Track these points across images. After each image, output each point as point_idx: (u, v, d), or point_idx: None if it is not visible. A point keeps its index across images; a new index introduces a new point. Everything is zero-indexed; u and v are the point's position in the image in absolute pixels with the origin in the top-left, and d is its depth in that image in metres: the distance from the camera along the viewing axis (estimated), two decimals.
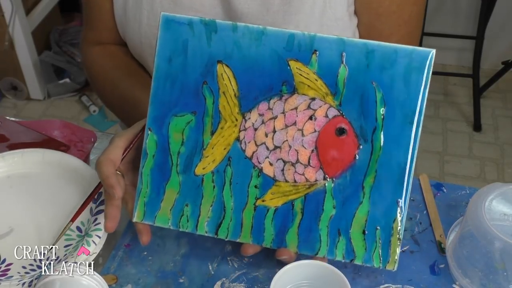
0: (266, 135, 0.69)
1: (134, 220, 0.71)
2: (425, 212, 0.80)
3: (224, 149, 0.69)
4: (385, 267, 0.66)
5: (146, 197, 0.71)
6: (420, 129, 0.65)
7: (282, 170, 0.69)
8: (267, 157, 0.69)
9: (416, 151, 0.66)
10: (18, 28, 2.18)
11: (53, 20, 2.44)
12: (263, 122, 0.69)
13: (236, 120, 0.69)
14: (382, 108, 0.66)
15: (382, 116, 0.66)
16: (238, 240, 0.70)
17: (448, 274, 0.72)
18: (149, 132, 0.70)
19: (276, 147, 0.69)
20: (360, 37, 0.85)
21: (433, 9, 2.40)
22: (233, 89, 0.69)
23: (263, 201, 0.69)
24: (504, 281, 0.67)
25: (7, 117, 0.94)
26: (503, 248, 0.65)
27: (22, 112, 2.37)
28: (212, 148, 0.70)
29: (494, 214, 0.68)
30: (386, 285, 0.70)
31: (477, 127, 2.25)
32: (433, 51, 0.64)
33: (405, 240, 0.76)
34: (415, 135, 0.66)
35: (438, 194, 0.82)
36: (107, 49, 0.94)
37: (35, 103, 2.41)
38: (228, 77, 0.69)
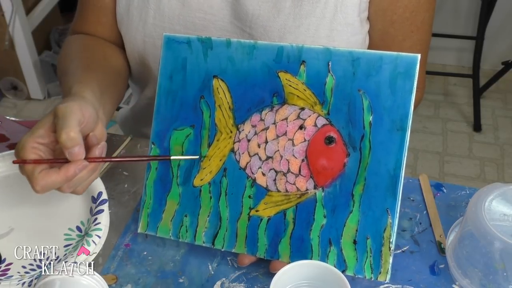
0: (259, 146, 0.70)
1: (139, 231, 0.75)
2: (425, 212, 0.80)
3: (220, 160, 0.71)
4: (377, 278, 0.66)
5: (149, 208, 0.74)
6: (408, 135, 0.65)
7: (274, 180, 0.69)
8: (260, 167, 0.70)
9: (405, 158, 0.65)
10: (18, 28, 2.18)
11: (53, 20, 2.44)
12: (255, 133, 0.70)
13: (231, 132, 0.71)
14: (370, 116, 0.66)
15: (369, 124, 0.66)
16: (233, 250, 0.71)
17: (448, 274, 0.72)
18: (152, 146, 0.74)
19: (268, 158, 0.70)
20: (373, 43, 0.85)
21: None
22: (227, 102, 0.71)
23: (256, 211, 0.70)
24: (504, 281, 0.67)
25: (7, 117, 0.94)
26: (503, 248, 0.65)
27: (22, 112, 2.38)
28: (209, 160, 0.72)
29: (494, 214, 0.68)
30: (386, 285, 0.70)
31: (477, 127, 2.25)
32: (419, 56, 0.65)
33: (405, 240, 0.76)
34: (403, 141, 0.65)
35: (438, 194, 0.82)
36: (84, 36, 0.92)
37: (35, 103, 2.41)
38: (223, 90, 0.71)
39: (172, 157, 0.71)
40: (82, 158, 0.63)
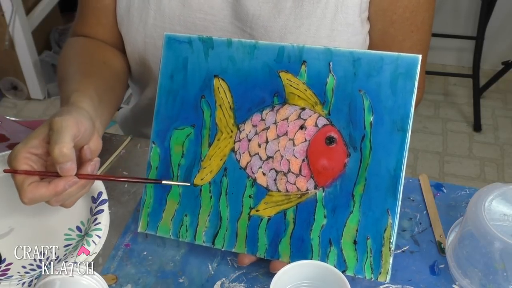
0: (259, 146, 0.70)
1: (139, 230, 0.75)
2: (425, 212, 0.80)
3: (221, 160, 0.71)
4: (377, 279, 0.66)
5: (149, 207, 0.74)
6: (409, 135, 0.65)
7: (275, 179, 0.69)
8: (260, 167, 0.70)
9: (405, 158, 0.65)
10: (18, 28, 2.18)
11: (53, 20, 2.44)
12: (256, 133, 0.70)
13: (232, 131, 0.71)
14: (370, 116, 0.66)
15: (370, 124, 0.66)
16: (233, 250, 0.71)
17: (448, 274, 0.72)
18: (153, 145, 0.74)
19: (268, 157, 0.70)
20: (373, 43, 0.85)
21: None
22: (228, 102, 0.71)
23: (257, 211, 0.70)
24: (504, 281, 0.67)
25: (7, 117, 0.94)
26: (503, 248, 0.65)
27: (22, 112, 2.38)
28: (210, 159, 0.72)
29: (494, 214, 0.68)
30: (386, 285, 0.70)
31: (477, 127, 2.25)
32: (419, 56, 0.65)
33: (405, 240, 0.76)
34: (404, 141, 0.65)
35: (438, 194, 0.82)
36: (84, 39, 0.93)
37: (35, 103, 2.41)
38: (224, 90, 0.71)
39: (163, 182, 0.70)
40: (73, 173, 0.63)
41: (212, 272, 0.72)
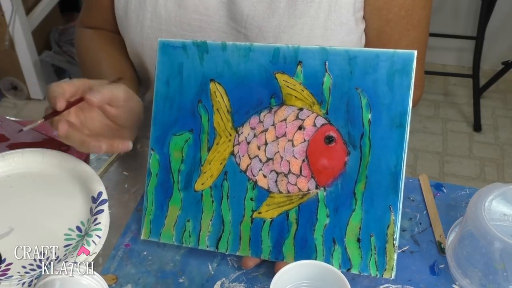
0: (259, 148, 0.70)
1: (142, 237, 0.75)
2: (425, 212, 0.80)
3: (221, 164, 0.71)
4: (382, 275, 0.66)
5: (151, 214, 0.74)
6: (407, 131, 0.65)
7: (276, 181, 0.69)
8: (261, 169, 0.70)
9: (405, 154, 0.65)
10: (18, 28, 2.18)
11: (53, 20, 2.44)
12: (255, 136, 0.70)
13: (230, 135, 0.71)
14: (369, 113, 0.66)
15: (369, 121, 0.66)
16: (237, 253, 0.71)
17: (448, 274, 0.72)
18: (152, 152, 0.74)
19: (268, 159, 0.70)
20: (369, 41, 0.85)
21: (433, 9, 2.37)
22: (225, 105, 0.71)
23: (259, 213, 0.70)
24: (504, 281, 0.67)
25: (7, 117, 0.94)
26: (503, 248, 0.65)
27: (22, 112, 2.37)
28: (209, 164, 0.72)
29: (494, 214, 0.68)
30: (386, 285, 0.70)
31: (477, 127, 2.25)
32: (415, 52, 0.65)
33: (405, 240, 0.76)
34: (403, 137, 0.65)
35: (438, 194, 0.82)
36: (98, 32, 0.96)
37: (35, 103, 2.41)
38: (221, 94, 0.71)
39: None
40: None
41: (212, 272, 0.72)
